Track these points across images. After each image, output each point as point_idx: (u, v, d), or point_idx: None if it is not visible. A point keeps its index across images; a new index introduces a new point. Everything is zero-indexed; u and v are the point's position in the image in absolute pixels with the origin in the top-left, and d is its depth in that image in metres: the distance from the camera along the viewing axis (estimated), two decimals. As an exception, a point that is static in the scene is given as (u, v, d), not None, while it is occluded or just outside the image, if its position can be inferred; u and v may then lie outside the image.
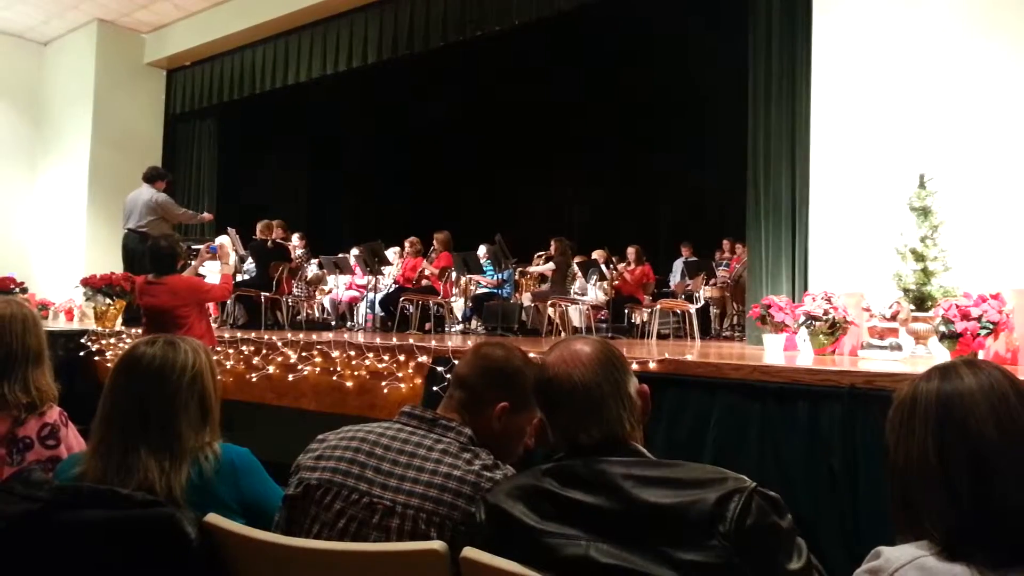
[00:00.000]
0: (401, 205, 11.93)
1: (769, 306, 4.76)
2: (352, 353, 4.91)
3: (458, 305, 8.31)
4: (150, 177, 7.22)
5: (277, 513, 1.45)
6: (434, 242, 7.81)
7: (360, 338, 5.39)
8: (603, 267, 7.77)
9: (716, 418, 3.15)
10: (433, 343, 4.68)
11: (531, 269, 8.61)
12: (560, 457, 1.26)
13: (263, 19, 8.24)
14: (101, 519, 1.27)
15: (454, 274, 7.81)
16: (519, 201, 11.28)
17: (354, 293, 8.63)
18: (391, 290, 7.99)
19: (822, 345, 4.38)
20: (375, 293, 7.92)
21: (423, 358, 4.56)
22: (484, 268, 8.05)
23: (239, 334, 5.60)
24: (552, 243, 8.05)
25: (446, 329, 7.73)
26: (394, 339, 5.02)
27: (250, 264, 7.90)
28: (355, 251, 8.73)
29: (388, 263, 8.21)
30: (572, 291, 8.00)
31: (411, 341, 4.82)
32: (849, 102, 4.92)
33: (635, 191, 10.63)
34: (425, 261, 7.78)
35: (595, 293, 8.01)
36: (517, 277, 8.82)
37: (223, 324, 7.57)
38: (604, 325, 7.81)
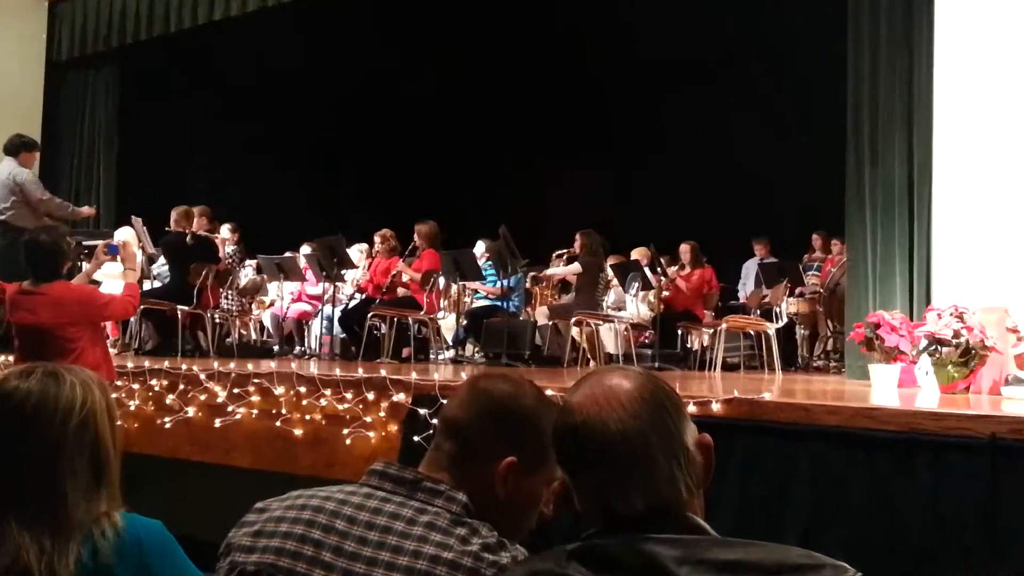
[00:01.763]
0: (370, 186, 11.95)
1: (878, 325, 4.76)
2: (302, 390, 4.93)
3: (448, 323, 8.31)
4: (13, 148, 7.27)
5: (201, 611, 1.46)
6: (415, 236, 7.84)
7: (313, 369, 5.42)
8: (647, 271, 7.83)
9: (804, 479, 3.19)
10: (414, 376, 4.70)
11: (549, 273, 8.63)
12: (590, 534, 1.27)
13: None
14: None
15: (442, 280, 7.83)
16: (530, 181, 11.33)
17: (305, 307, 8.69)
18: (356, 303, 8.01)
19: (952, 380, 4.40)
20: (334, 307, 7.96)
21: (400, 396, 4.58)
22: (483, 272, 8.06)
23: (147, 363, 5.61)
24: (577, 238, 8.05)
25: (431, 357, 7.75)
26: (360, 370, 5.02)
27: (162, 267, 7.93)
28: (306, 249, 8.78)
29: (352, 265, 8.23)
30: (605, 304, 8.07)
31: (383, 373, 4.83)
32: (984, 57, 4.91)
33: (690, 169, 10.62)
34: (402, 262, 7.82)
35: (636, 307, 8.05)
36: (529, 284, 8.84)
37: (125, 349, 7.59)
38: (650, 352, 7.84)
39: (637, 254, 8.38)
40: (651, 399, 1.31)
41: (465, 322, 8.22)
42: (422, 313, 7.53)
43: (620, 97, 10.91)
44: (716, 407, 3.65)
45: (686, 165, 10.72)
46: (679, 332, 8.29)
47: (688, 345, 8.46)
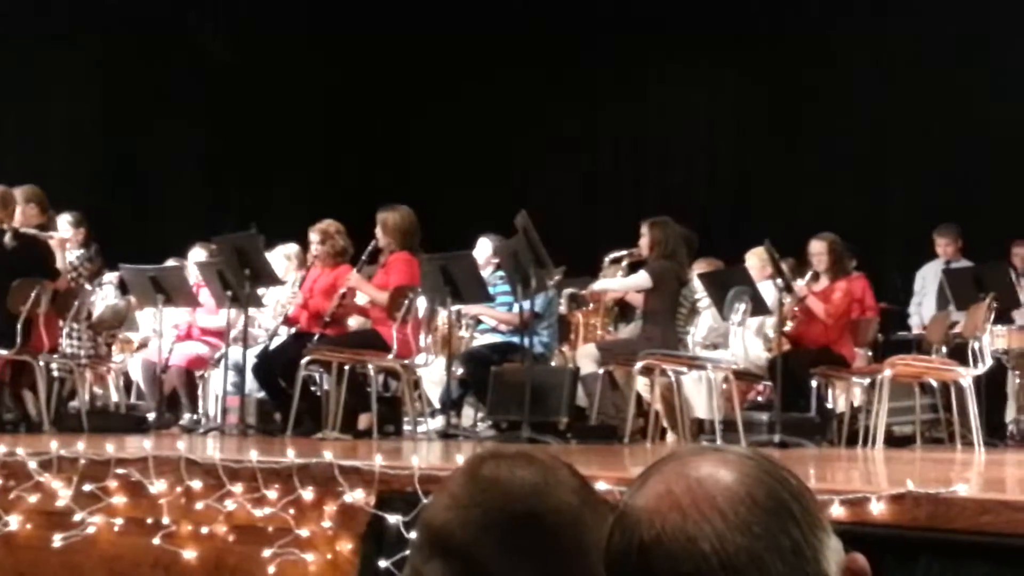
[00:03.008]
0: (305, 157, 12.36)
1: None
2: (196, 485, 4.92)
3: (433, 374, 8.38)
4: None
5: None
6: (377, 231, 7.94)
7: (214, 451, 5.36)
8: (766, 287, 7.87)
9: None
10: (378, 462, 4.71)
11: (598, 288, 8.77)
12: None
13: None
14: None
15: (423, 303, 7.92)
16: (559, 142, 11.71)
17: (198, 349, 8.80)
18: (281, 342, 8.07)
19: None
20: (245, 349, 8.03)
21: (355, 495, 4.60)
22: (491, 289, 8.17)
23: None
24: (644, 231, 8.19)
25: (406, 429, 7.74)
26: (290, 453, 4.99)
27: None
28: (198, 254, 8.91)
29: (275, 280, 8.32)
30: (691, 340, 8.10)
31: (328, 458, 4.83)
32: None
33: (813, 126, 11.08)
34: (357, 274, 7.91)
35: (744, 344, 8.07)
36: (566, 309, 8.94)
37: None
38: (766, 417, 7.87)
39: (753, 258, 8.42)
40: (767, 499, 1.33)
41: (462, 371, 8.25)
42: (390, 357, 7.54)
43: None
44: (877, 509, 3.67)
45: (808, 123, 11.65)
46: (814, 384, 8.23)
47: (829, 405, 8.46)
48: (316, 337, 7.70)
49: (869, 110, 11.88)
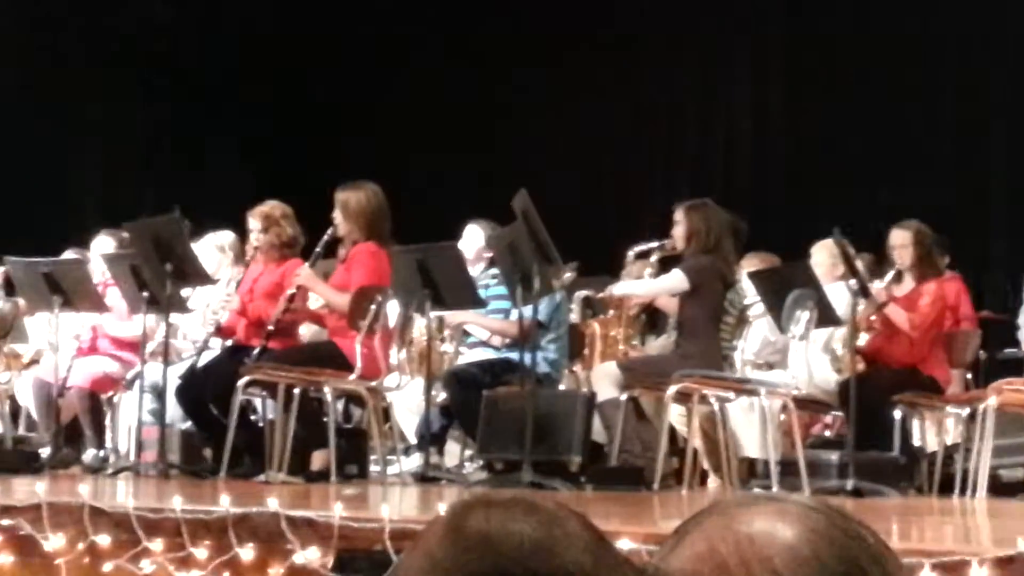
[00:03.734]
0: (247, 122, 12.34)
1: None
2: (103, 540, 4.92)
3: (406, 397, 8.38)
4: None
5: None
6: (336, 216, 8.00)
7: (126, 498, 5.43)
8: (836, 290, 7.84)
9: None
10: (337, 512, 4.76)
11: (619, 291, 8.68)
12: None
13: None
14: None
15: (394, 310, 7.92)
16: (568, 102, 11.77)
17: (107, 366, 8.78)
18: (213, 357, 8.11)
19: None
20: (166, 366, 7.99)
21: (309, 555, 4.62)
22: (482, 292, 8.20)
23: None
24: (680, 217, 8.17)
25: (372, 469, 7.72)
26: (224, 500, 5.04)
27: None
28: (106, 243, 8.91)
29: (205, 278, 8.33)
30: (739, 359, 8.10)
31: (274, 506, 4.88)
32: None
33: (893, 84, 11.04)
34: (309, 270, 7.95)
35: (807, 364, 8.00)
36: (578, 317, 8.93)
37: None
38: (835, 458, 7.84)
39: (819, 254, 8.33)
40: (837, 563, 1.32)
41: (444, 396, 8.24)
42: (353, 378, 7.55)
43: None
44: (980, 575, 3.67)
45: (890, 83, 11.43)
46: (897, 415, 8.10)
47: (916, 442, 8.34)
48: (257, 351, 7.68)
49: (970, 66, 11.72)
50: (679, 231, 8.11)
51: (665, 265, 8.32)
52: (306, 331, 8.13)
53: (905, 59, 11.81)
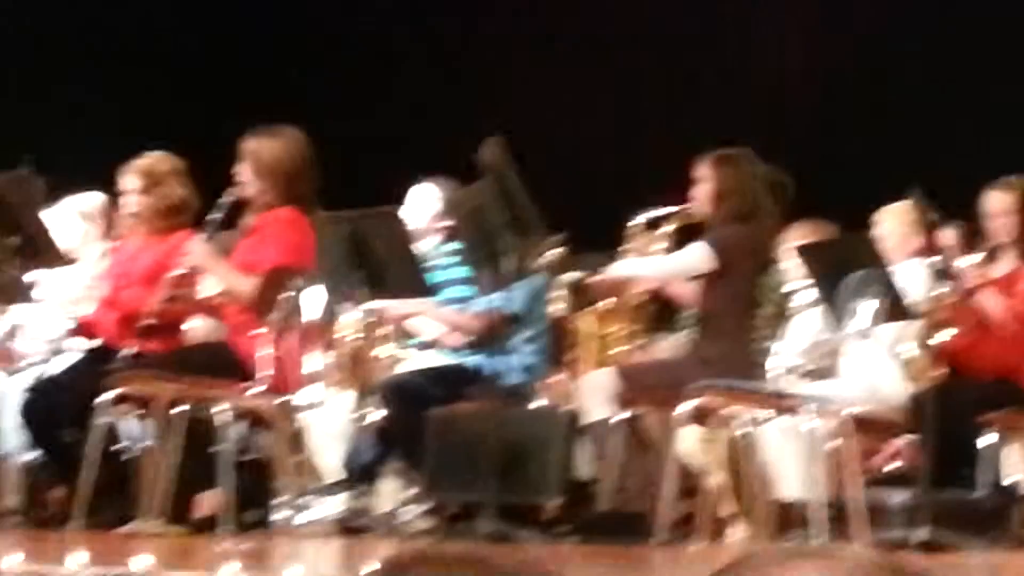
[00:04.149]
0: (121, 49, 12.76)
1: None
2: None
3: (327, 419, 8.51)
4: None
5: None
6: (242, 171, 7.91)
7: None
8: (911, 269, 7.75)
9: None
10: (230, 572, 4.87)
11: (619, 273, 8.61)
12: None
13: None
14: None
15: (318, 300, 8.00)
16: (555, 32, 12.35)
17: None
18: (69, 363, 8.20)
19: None
20: (8, 374, 8.11)
21: None
22: (433, 274, 8.28)
23: None
24: (705, 171, 8.08)
25: (278, 516, 7.60)
26: (79, 557, 5.07)
27: None
28: None
29: (58, 257, 8.11)
30: (776, 361, 8.01)
31: (145, 566, 4.77)
32: None
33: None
34: (200, 244, 7.87)
35: (874, 368, 7.92)
36: (566, 311, 9.02)
37: None
38: (903, 500, 7.85)
39: (892, 221, 8.12)
40: None
41: (380, 416, 8.04)
42: (256, 391, 7.37)
43: None
44: None
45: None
46: (985, 443, 8.02)
47: (1011, 477, 8.20)
48: (129, 355, 7.60)
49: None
50: (703, 191, 8.04)
51: (686, 238, 8.23)
52: (196, 326, 8.02)
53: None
